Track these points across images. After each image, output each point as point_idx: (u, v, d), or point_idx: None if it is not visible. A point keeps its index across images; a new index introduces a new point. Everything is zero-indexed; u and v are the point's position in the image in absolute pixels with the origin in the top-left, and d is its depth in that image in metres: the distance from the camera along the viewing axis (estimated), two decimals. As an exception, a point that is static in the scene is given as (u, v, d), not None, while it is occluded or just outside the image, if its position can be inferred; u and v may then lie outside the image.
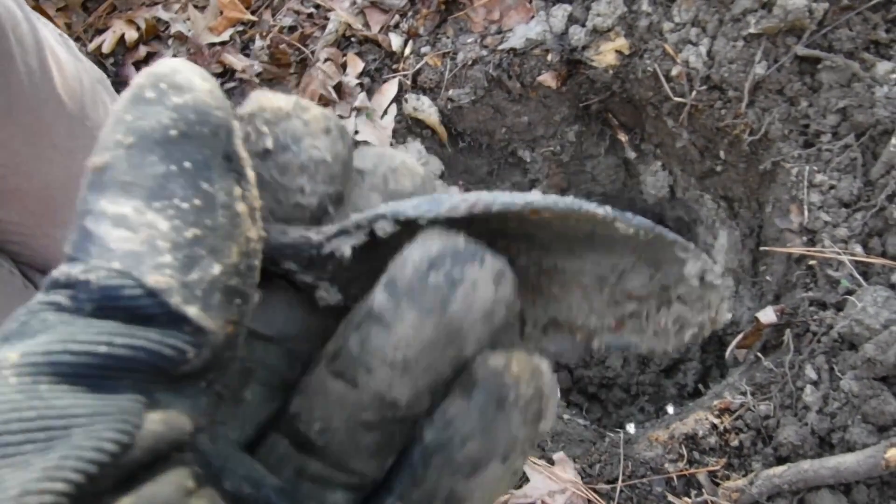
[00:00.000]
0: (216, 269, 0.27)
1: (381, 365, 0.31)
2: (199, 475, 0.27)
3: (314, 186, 0.33)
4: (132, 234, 0.26)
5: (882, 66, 1.64)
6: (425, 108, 1.97)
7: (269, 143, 0.32)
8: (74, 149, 1.45)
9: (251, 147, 0.32)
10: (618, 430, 1.67)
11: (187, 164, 0.27)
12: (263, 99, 0.33)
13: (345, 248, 0.32)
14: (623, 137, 2.06)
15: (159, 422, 0.24)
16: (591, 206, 0.32)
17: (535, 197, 0.32)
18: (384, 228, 0.31)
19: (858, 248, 1.56)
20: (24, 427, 0.22)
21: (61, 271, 0.26)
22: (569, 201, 0.32)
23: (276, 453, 0.33)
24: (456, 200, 0.31)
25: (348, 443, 0.32)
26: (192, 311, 0.26)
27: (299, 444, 0.33)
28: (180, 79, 0.28)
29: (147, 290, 0.25)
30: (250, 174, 0.30)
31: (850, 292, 1.51)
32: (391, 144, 1.93)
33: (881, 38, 1.67)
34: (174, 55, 2.12)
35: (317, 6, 2.13)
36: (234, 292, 0.27)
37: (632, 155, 2.10)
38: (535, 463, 1.48)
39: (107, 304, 0.25)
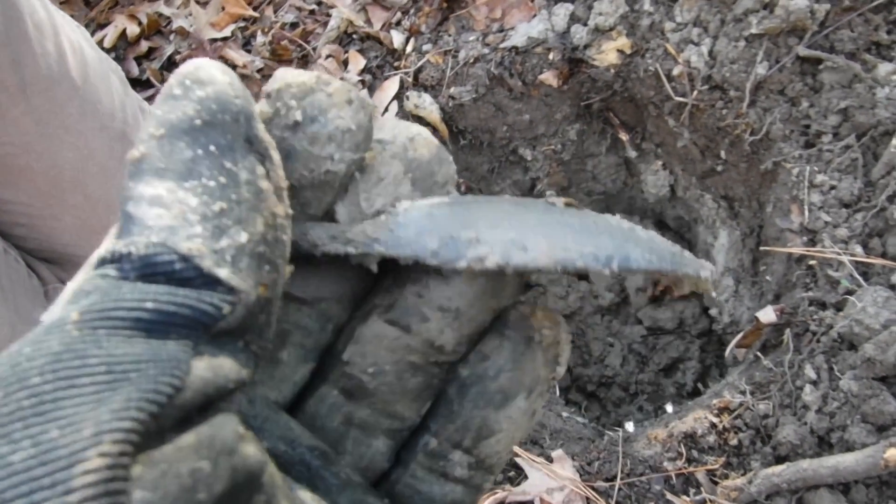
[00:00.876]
0: (243, 236, 0.30)
1: (434, 313, 0.37)
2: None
3: (342, 154, 0.36)
4: (166, 211, 0.29)
5: (883, 68, 1.64)
6: (427, 105, 1.97)
7: (298, 116, 0.35)
8: (85, 131, 1.47)
9: (281, 121, 0.35)
10: (616, 428, 1.67)
11: (212, 148, 0.30)
12: (288, 75, 0.36)
13: (371, 264, 0.36)
14: (624, 136, 2.06)
15: (206, 368, 0.27)
16: (682, 265, 0.35)
17: (597, 252, 0.34)
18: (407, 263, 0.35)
19: (859, 249, 1.57)
20: (89, 371, 0.25)
21: (106, 248, 0.30)
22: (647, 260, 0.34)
23: (327, 403, 0.38)
24: (481, 251, 0.34)
25: (396, 384, 0.37)
26: (223, 272, 0.29)
27: (349, 391, 0.37)
28: (203, 74, 0.32)
29: (181, 256, 0.28)
30: (275, 156, 0.33)
31: (850, 292, 1.51)
32: (392, 141, 1.92)
33: (882, 40, 1.68)
34: (176, 50, 2.12)
35: (319, 3, 2.13)
36: (263, 258, 0.30)
37: (633, 154, 2.10)
38: (533, 460, 1.48)
39: (148, 270, 0.28)
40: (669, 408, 1.73)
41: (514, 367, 0.37)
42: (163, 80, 2.11)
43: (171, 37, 2.15)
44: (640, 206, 2.25)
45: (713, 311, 2.02)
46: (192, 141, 0.30)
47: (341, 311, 0.39)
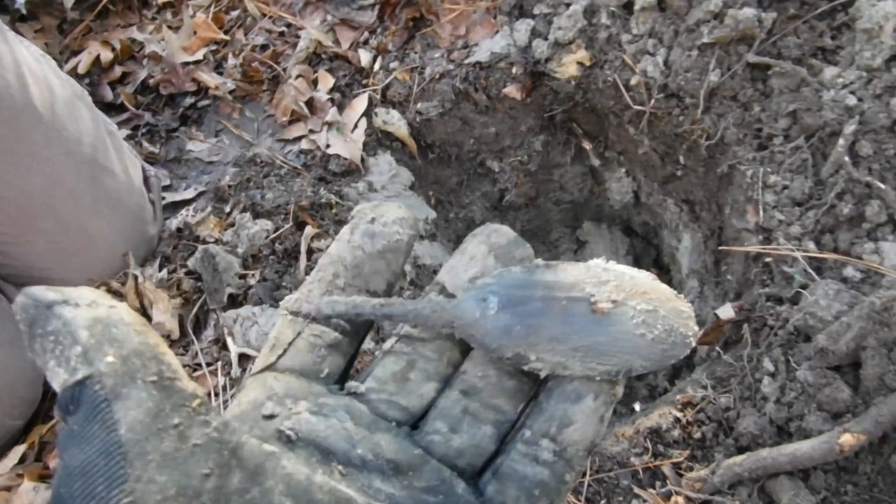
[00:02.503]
0: None
1: None
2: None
3: (403, 230, 0.58)
4: None
5: (828, 71, 1.71)
6: (395, 121, 2.02)
7: (374, 213, 0.58)
8: (51, 157, 1.51)
9: (364, 219, 0.59)
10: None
11: None
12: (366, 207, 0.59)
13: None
14: (587, 146, 2.12)
15: None
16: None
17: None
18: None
19: (811, 245, 1.63)
20: None
21: None
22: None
23: (450, 399, 0.53)
24: (538, 366, 0.52)
25: (497, 384, 0.53)
26: None
27: (465, 391, 0.53)
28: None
29: None
30: None
31: (803, 287, 1.57)
32: (362, 158, 1.98)
33: (827, 45, 1.74)
34: (149, 75, 2.16)
35: (288, 25, 2.18)
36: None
37: (596, 162, 2.16)
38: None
39: None
40: (637, 406, 1.78)
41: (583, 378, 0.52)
42: (136, 105, 2.15)
43: (145, 62, 2.19)
44: (608, 213, 2.31)
45: (680, 312, 2.07)
46: None
47: (452, 346, 0.55)
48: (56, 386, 0.41)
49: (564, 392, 0.51)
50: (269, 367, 0.53)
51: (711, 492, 1.45)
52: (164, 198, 1.97)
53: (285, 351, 0.54)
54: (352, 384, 0.53)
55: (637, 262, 2.34)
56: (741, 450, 1.49)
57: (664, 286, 0.53)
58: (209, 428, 0.41)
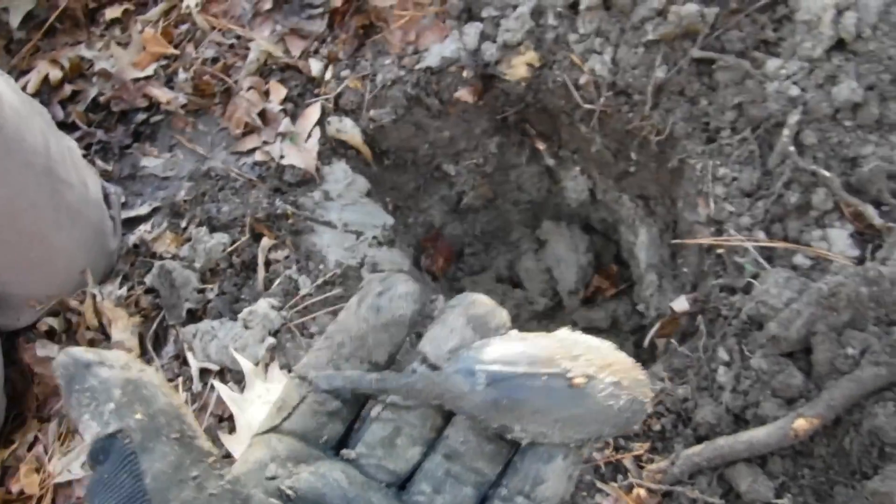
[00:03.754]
0: None
1: None
2: None
3: (408, 304, 0.61)
4: None
5: (771, 63, 1.73)
6: (348, 129, 2.03)
7: (381, 287, 0.62)
8: (11, 168, 1.51)
9: (371, 291, 0.62)
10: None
11: None
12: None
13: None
14: (541, 146, 2.14)
15: None
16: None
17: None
18: None
19: (761, 234, 1.65)
20: None
21: None
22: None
23: (434, 462, 0.57)
24: (521, 436, 0.58)
25: (477, 448, 0.58)
26: None
27: (448, 455, 0.57)
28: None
29: None
30: None
31: (755, 276, 1.60)
32: (317, 167, 1.98)
33: (769, 38, 1.77)
34: (100, 92, 2.15)
35: (238, 37, 2.18)
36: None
37: (551, 162, 2.18)
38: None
39: None
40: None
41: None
42: (88, 122, 2.14)
43: (94, 79, 2.18)
44: (567, 211, 2.33)
45: (640, 307, 2.10)
46: None
47: (435, 413, 0.59)
48: (88, 437, 0.47)
49: (537, 453, 0.57)
50: (275, 429, 0.58)
51: (672, 482, 1.46)
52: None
53: (290, 414, 0.58)
54: (345, 451, 0.58)
55: (597, 259, 2.36)
56: (699, 439, 1.51)
57: (624, 356, 0.59)
58: (223, 480, 0.49)
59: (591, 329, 2.27)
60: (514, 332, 0.61)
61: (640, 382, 0.58)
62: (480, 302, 0.62)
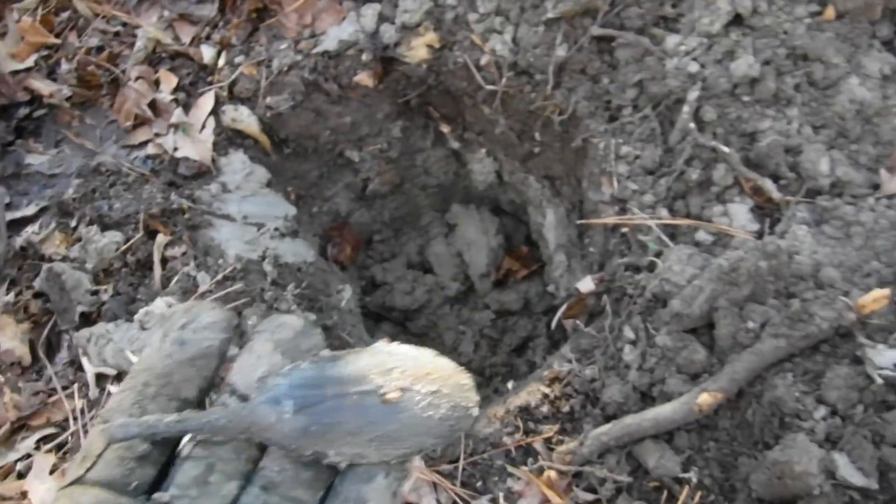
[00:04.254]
0: None
1: None
2: None
3: (215, 335, 0.59)
4: None
5: (671, 40, 1.73)
6: (244, 117, 1.96)
7: (185, 319, 0.59)
8: None
9: (175, 324, 0.59)
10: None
11: None
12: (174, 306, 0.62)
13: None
14: (445, 129, 2.11)
15: None
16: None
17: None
18: None
19: (664, 212, 1.65)
20: None
21: None
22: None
23: (251, 496, 0.54)
24: (337, 460, 0.56)
25: (294, 477, 0.55)
26: None
27: (265, 486, 0.55)
28: None
29: None
30: None
31: (658, 254, 1.60)
32: (212, 158, 1.91)
33: (668, 14, 1.77)
34: (-23, 86, 2.03)
35: (123, 24, 2.08)
36: None
37: (456, 145, 2.15)
38: (378, 455, 1.50)
39: None
40: (510, 385, 1.79)
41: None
42: (-33, 118, 2.02)
43: (-29, 73, 2.06)
44: (475, 194, 2.31)
45: (550, 288, 2.09)
46: None
47: (249, 444, 0.56)
48: None
49: (357, 475, 0.55)
50: (78, 481, 0.54)
51: (581, 462, 1.46)
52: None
53: (93, 464, 0.54)
54: (157, 495, 0.54)
55: (508, 241, 2.35)
56: (608, 419, 1.51)
57: (445, 362, 0.58)
58: None
59: (503, 312, 2.26)
60: (326, 351, 0.58)
61: (463, 387, 0.57)
62: (289, 325, 0.60)
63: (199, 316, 0.59)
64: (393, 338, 2.06)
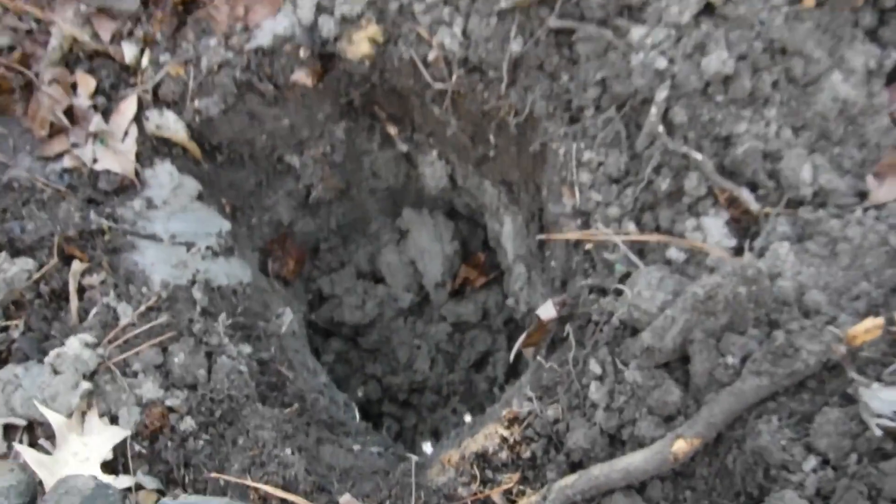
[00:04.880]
0: None
1: None
2: None
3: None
4: None
5: (636, 31, 1.57)
6: (170, 124, 1.79)
7: None
8: None
9: None
10: (410, 455, 1.56)
11: None
12: None
13: None
14: (393, 130, 1.95)
15: None
16: None
17: None
18: None
19: (632, 226, 1.51)
20: None
21: None
22: None
23: None
24: None
25: None
26: None
27: None
28: None
29: None
30: None
31: (626, 275, 1.45)
32: (136, 171, 1.73)
33: (633, 2, 1.61)
34: None
35: (37, 20, 1.88)
36: None
37: (404, 147, 1.99)
38: (319, 512, 1.36)
39: None
40: (468, 417, 1.64)
41: None
42: None
43: None
44: (428, 198, 2.15)
45: (510, 301, 1.94)
46: None
47: None
48: None
49: None
50: None
51: (545, 519, 1.31)
52: None
53: None
54: None
55: (464, 247, 2.19)
56: (573, 466, 1.37)
57: None
58: None
59: (461, 324, 2.11)
60: None
61: None
62: (77, 490, 0.61)
63: None
64: (342, 355, 1.92)
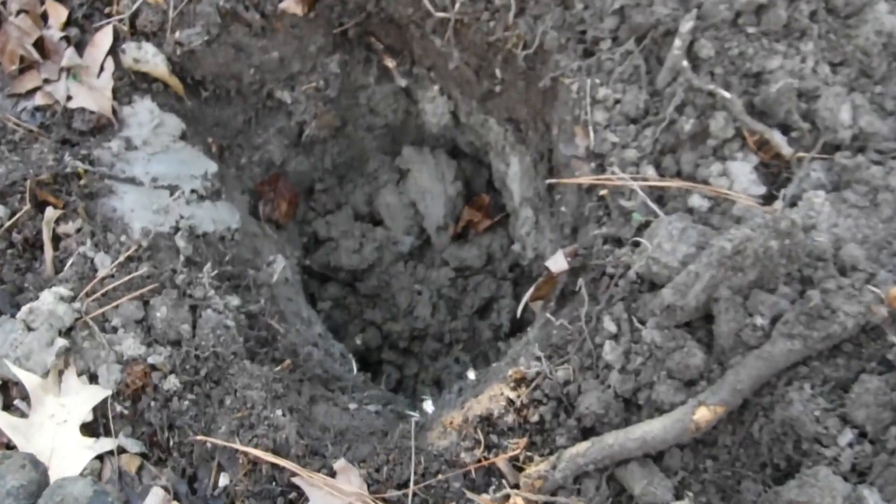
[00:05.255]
0: None
1: None
2: None
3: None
4: None
5: (659, -50, 1.44)
6: (149, 57, 1.72)
7: None
8: None
9: None
10: (412, 413, 1.48)
11: None
12: None
13: None
14: (390, 63, 1.86)
15: None
16: None
17: None
18: None
19: (651, 171, 1.42)
20: None
21: None
22: None
23: None
24: None
25: None
26: None
27: None
28: None
29: None
30: None
31: (644, 225, 1.35)
32: (113, 109, 1.62)
33: (655, -80, 1.47)
34: None
35: (0, -56, 1.75)
36: None
37: (403, 82, 1.89)
38: (312, 477, 1.28)
39: None
40: (471, 374, 1.56)
41: None
42: None
43: None
44: (429, 136, 2.06)
45: (516, 247, 1.86)
46: None
47: None
48: None
49: None
50: None
51: (554, 489, 1.25)
52: None
53: None
54: None
55: (468, 188, 2.11)
56: (585, 432, 1.31)
57: None
58: None
59: (464, 269, 2.03)
60: None
61: None
62: (72, 498, 0.62)
63: (4, 478, 0.55)
64: (339, 301, 1.83)
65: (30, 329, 1.39)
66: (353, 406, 1.51)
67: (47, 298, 1.40)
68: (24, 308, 1.40)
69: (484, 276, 2.01)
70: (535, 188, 1.77)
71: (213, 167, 1.71)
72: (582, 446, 1.25)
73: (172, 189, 1.62)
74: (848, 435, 1.14)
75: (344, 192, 2.09)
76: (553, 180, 1.56)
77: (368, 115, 1.99)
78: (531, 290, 1.46)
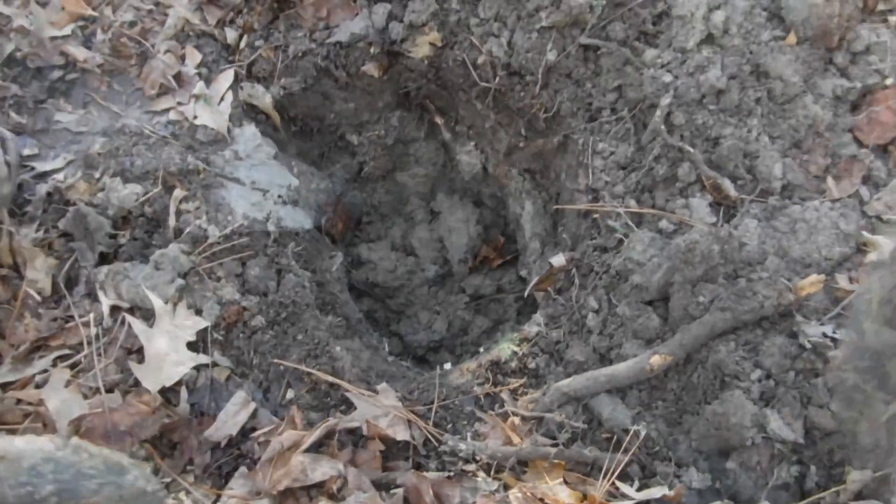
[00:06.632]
0: None
1: None
2: None
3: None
4: None
5: (649, 53, 1.93)
6: (259, 94, 2.14)
7: None
8: None
9: None
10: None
11: None
12: None
13: None
14: (440, 121, 2.30)
15: None
16: None
17: None
18: None
19: (633, 202, 1.83)
20: None
21: None
22: None
23: None
24: None
25: None
26: None
27: None
28: None
29: None
30: None
31: (624, 236, 1.78)
32: (228, 128, 2.08)
33: (648, 30, 1.96)
34: (17, 48, 2.20)
35: (156, 3, 2.26)
36: None
37: (448, 136, 2.33)
38: (361, 393, 1.66)
39: None
40: (482, 349, 1.95)
41: None
42: (3, 77, 2.19)
43: (12, 35, 2.22)
44: (460, 185, 2.49)
45: (523, 273, 2.27)
46: None
47: None
48: None
49: None
50: None
51: (543, 410, 1.63)
52: (31, 166, 2.01)
53: None
54: None
55: (486, 231, 2.53)
56: (569, 376, 1.68)
57: None
58: None
59: (477, 296, 2.43)
60: None
61: None
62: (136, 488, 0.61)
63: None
64: (372, 313, 2.21)
65: (158, 268, 1.79)
66: (390, 359, 1.91)
67: (173, 248, 1.81)
68: (157, 252, 1.79)
69: (493, 302, 2.41)
70: (544, 225, 2.20)
71: (294, 182, 2.13)
72: (566, 381, 1.64)
73: (265, 192, 2.02)
74: (758, 373, 1.51)
75: (385, 227, 2.52)
76: (560, 206, 2.00)
77: (414, 164, 2.43)
78: (535, 279, 1.89)
